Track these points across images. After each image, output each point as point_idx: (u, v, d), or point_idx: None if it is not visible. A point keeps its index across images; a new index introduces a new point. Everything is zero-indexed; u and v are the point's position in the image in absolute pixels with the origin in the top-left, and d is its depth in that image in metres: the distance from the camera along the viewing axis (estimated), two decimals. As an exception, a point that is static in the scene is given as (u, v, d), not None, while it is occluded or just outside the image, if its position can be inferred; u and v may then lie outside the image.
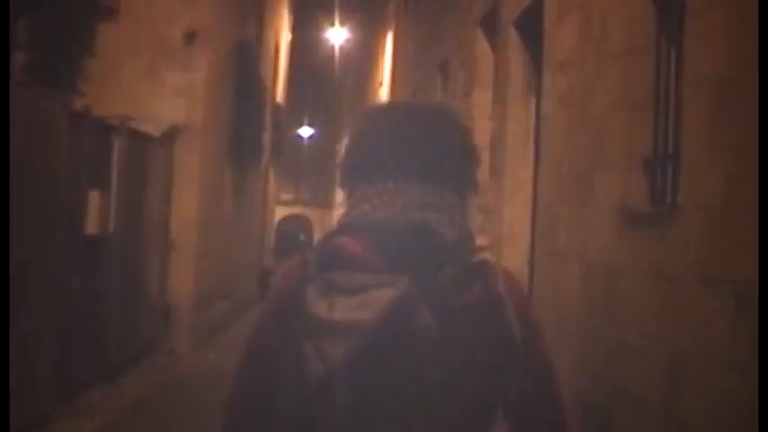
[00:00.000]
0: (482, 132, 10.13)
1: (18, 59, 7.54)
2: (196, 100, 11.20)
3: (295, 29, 27.98)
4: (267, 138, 18.84)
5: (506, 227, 9.19)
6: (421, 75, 16.55)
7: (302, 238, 50.76)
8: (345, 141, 1.95)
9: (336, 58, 34.76)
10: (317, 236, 47.87)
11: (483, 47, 10.81)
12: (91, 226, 8.09)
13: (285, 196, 43.68)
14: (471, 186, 2.02)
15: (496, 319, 1.84)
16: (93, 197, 8.08)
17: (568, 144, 7.18)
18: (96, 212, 8.15)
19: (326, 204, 47.13)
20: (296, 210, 48.49)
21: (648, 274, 5.44)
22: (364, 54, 31.17)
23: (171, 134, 10.82)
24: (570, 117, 7.16)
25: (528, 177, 9.15)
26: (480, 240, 2.00)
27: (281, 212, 37.29)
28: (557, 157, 7.47)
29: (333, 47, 34.26)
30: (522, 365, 1.86)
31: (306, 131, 46.97)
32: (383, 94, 25.24)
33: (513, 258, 8.96)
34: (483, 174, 6.90)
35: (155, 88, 10.87)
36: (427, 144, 1.94)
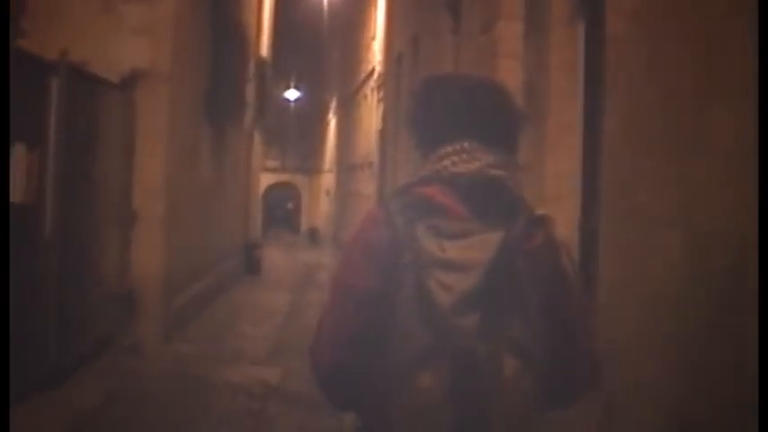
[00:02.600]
0: (508, 74, 8.38)
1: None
2: (161, 40, 9.36)
3: (280, -20, 26.07)
4: (251, 94, 16.89)
5: (550, 184, 7.27)
6: (423, 18, 14.70)
7: (290, 206, 49.43)
8: (411, 106, 2.33)
9: (325, 13, 32.82)
10: (306, 204, 46.72)
11: (509, -32, 8.90)
12: (18, 192, 6.15)
13: (271, 163, 42.51)
14: (518, 150, 2.41)
15: (555, 262, 2.24)
16: (19, 153, 6.13)
17: (656, 71, 5.31)
18: (24, 174, 6.21)
19: (314, 171, 46.04)
20: (283, 177, 47.52)
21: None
22: (355, 5, 29.13)
23: (132, 80, 8.89)
24: (656, 32, 5.30)
25: (576, 121, 7.28)
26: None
27: (266, 180, 35.90)
28: (636, 90, 5.59)
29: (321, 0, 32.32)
30: (573, 301, 2.26)
31: (292, 94, 45.24)
32: (376, 48, 23.33)
33: (559, 225, 7.02)
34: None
35: (111, 25, 8.96)
36: (492, 112, 2.34)
